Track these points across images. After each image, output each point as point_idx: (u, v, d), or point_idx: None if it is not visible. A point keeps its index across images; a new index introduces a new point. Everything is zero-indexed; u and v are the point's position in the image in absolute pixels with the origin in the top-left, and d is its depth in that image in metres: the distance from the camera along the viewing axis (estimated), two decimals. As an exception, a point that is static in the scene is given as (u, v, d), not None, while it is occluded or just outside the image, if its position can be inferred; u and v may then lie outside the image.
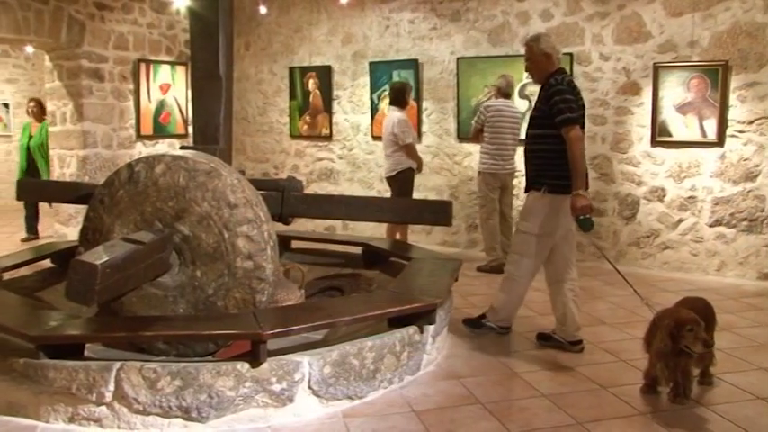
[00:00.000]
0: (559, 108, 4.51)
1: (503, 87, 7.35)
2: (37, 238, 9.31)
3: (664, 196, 7.26)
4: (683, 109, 7.05)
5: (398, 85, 7.85)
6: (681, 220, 7.19)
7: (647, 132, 7.28)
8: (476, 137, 7.55)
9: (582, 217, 4.51)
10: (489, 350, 4.88)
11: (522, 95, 7.81)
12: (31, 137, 9.39)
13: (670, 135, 7.15)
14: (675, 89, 7.04)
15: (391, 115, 7.60)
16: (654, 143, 7.25)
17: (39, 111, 9.45)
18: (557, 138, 4.56)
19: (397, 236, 7.69)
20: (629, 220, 7.48)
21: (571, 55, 7.54)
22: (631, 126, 7.39)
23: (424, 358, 4.44)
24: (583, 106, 4.75)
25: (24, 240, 9.08)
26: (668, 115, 7.12)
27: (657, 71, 7.11)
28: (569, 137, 4.47)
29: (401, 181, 7.61)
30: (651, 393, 4.08)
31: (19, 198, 6.17)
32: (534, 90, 7.48)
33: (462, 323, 5.26)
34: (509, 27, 7.94)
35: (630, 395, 4.08)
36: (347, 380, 3.93)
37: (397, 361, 4.18)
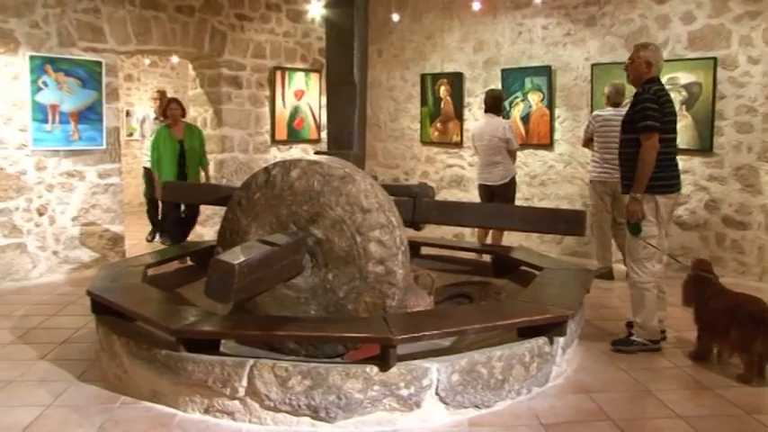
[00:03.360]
0: (642, 115, 4.85)
1: (612, 96, 7.13)
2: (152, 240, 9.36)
3: (817, 210, 6.77)
4: (842, 116, 6.56)
5: (497, 93, 7.94)
6: (836, 237, 6.69)
7: (800, 142, 6.81)
8: (586, 145, 7.46)
9: (632, 221, 4.88)
10: (621, 365, 4.71)
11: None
12: (180, 141, 7.95)
13: (826, 145, 6.67)
14: (835, 94, 6.55)
15: (496, 121, 7.64)
16: (807, 153, 6.77)
17: (182, 113, 8.21)
18: None
19: (488, 240, 7.75)
20: (776, 236, 7.03)
21: (715, 59, 7.17)
22: (782, 135, 6.95)
23: (554, 370, 4.35)
24: (670, 113, 4.97)
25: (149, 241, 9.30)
26: (824, 124, 6.65)
27: (814, 76, 6.64)
28: (645, 144, 4.81)
29: (512, 188, 7.71)
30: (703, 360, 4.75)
31: (164, 199, 6.45)
32: (672, 97, 7.23)
33: (611, 345, 5.08)
34: (647, 31, 7.64)
35: (778, 422, 3.82)
36: (475, 388, 3.89)
37: (525, 372, 4.10)
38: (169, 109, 8.09)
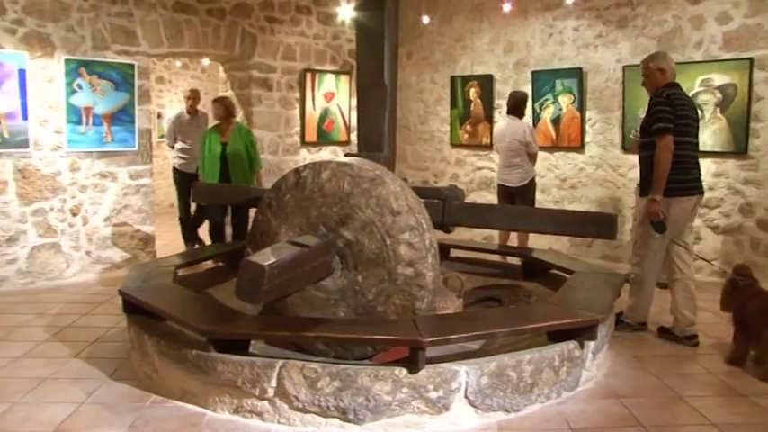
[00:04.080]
0: (655, 119, 5.09)
1: None
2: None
3: None
4: None
5: (519, 95, 7.94)
6: None
7: (838, 145, 6.67)
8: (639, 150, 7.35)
9: (654, 221, 5.09)
10: (652, 370, 4.65)
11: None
12: (224, 144, 7.57)
13: None
14: None
15: (518, 124, 7.70)
16: None
17: (224, 113, 7.70)
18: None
19: (509, 242, 7.85)
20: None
21: (751, 60, 7.04)
22: (819, 138, 6.81)
23: (583, 375, 4.31)
24: (686, 116, 5.13)
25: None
26: None
27: None
28: (659, 145, 5.04)
29: (531, 190, 7.75)
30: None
31: (195, 199, 6.46)
32: (706, 99, 7.18)
33: None
34: (681, 32, 7.55)
35: (815, 430, 3.75)
36: (504, 392, 3.87)
37: (555, 376, 4.07)
38: (212, 108, 7.80)
